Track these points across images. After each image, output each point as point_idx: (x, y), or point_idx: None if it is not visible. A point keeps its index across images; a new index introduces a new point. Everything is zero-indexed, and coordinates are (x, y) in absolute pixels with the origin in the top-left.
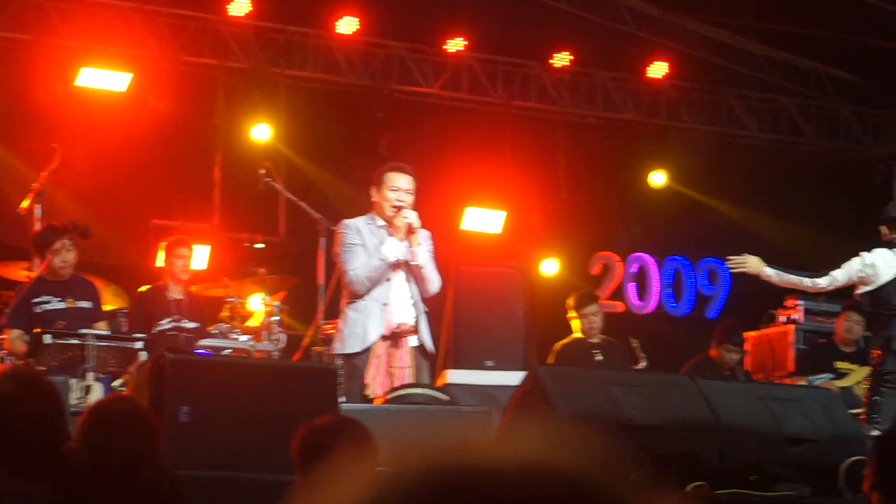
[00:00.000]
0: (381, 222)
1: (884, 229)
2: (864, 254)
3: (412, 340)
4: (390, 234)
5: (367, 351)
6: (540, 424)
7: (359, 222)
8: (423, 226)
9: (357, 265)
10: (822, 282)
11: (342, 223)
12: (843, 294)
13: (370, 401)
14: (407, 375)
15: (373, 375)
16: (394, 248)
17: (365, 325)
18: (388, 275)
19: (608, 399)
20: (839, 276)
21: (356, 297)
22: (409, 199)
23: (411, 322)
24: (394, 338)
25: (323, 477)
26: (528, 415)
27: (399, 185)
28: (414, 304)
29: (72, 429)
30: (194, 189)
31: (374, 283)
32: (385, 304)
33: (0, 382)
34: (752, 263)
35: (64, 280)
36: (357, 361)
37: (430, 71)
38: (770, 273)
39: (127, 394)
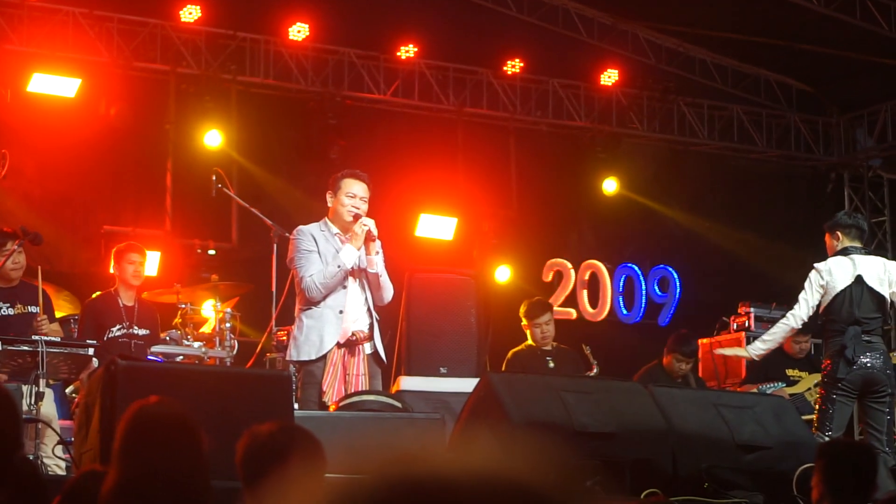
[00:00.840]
0: (335, 229)
1: (827, 240)
2: (817, 265)
3: (367, 348)
4: (343, 241)
5: (322, 358)
6: (493, 431)
7: (313, 229)
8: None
9: (314, 271)
10: (800, 312)
11: (297, 229)
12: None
13: (327, 407)
14: (362, 383)
15: (329, 383)
16: (350, 256)
17: (321, 333)
18: (345, 282)
19: (561, 406)
20: (808, 298)
21: (311, 303)
22: (364, 206)
23: (366, 330)
24: (349, 345)
25: (269, 485)
26: (482, 422)
27: (355, 192)
28: (368, 312)
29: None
30: (146, 195)
31: (330, 290)
32: (341, 312)
33: None
34: (739, 353)
35: (13, 286)
36: (313, 368)
37: (381, 78)
38: (758, 347)
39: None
